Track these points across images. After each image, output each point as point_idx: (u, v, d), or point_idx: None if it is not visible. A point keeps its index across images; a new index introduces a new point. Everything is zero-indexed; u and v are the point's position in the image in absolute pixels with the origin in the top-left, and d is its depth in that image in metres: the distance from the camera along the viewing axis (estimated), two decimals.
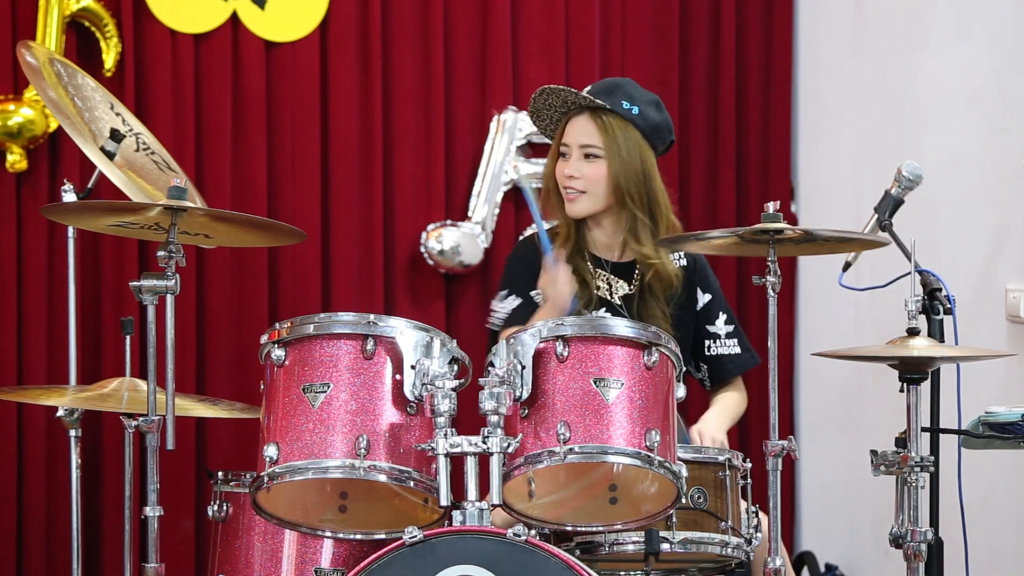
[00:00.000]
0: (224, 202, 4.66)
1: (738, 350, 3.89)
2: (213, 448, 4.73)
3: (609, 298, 3.81)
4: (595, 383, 3.15)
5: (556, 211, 3.86)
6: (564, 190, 3.80)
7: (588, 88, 3.81)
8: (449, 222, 4.92)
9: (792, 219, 5.20)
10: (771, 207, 3.33)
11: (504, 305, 3.84)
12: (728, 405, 3.87)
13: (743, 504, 3.44)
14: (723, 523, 3.38)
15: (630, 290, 3.82)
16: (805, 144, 5.29)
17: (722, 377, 3.89)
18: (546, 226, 3.80)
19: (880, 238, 3.54)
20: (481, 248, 4.91)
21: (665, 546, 3.31)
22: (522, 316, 3.76)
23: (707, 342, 3.88)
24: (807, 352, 5.11)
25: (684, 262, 3.86)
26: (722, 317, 3.89)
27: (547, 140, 3.97)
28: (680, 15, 5.19)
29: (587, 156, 3.78)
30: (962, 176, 4.50)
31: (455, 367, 3.19)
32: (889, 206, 3.65)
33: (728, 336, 3.88)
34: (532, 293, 3.83)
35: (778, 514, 3.28)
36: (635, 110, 3.78)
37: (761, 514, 3.46)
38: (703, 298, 3.88)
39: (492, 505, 3.10)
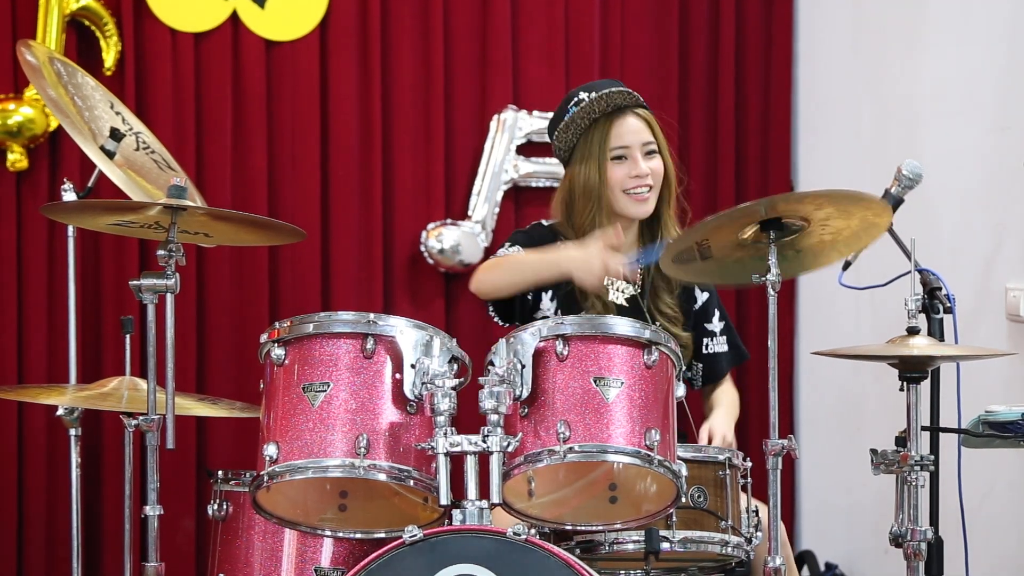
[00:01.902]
0: (224, 201, 4.67)
1: (726, 348, 3.90)
2: (213, 447, 4.73)
3: (618, 301, 3.81)
4: (595, 382, 3.14)
5: (605, 218, 3.78)
6: (635, 191, 3.77)
7: (586, 91, 3.79)
8: (449, 221, 4.92)
9: None
10: None
11: (509, 251, 3.78)
12: (730, 406, 3.88)
13: (743, 500, 3.43)
14: (723, 522, 3.38)
15: (636, 291, 3.82)
16: (805, 143, 5.29)
17: (717, 375, 3.90)
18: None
19: (881, 201, 3.49)
20: (481, 247, 4.91)
21: (665, 545, 3.31)
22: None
23: (704, 340, 3.89)
24: (807, 351, 5.11)
25: None
26: (716, 314, 3.90)
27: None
28: (680, 14, 5.19)
29: (647, 154, 3.78)
30: (962, 175, 4.50)
31: (455, 366, 3.19)
32: (889, 205, 3.64)
33: (720, 333, 3.90)
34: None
35: (778, 513, 3.28)
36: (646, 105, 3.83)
37: (761, 508, 3.45)
38: (701, 296, 3.89)
39: (491, 504, 3.10)
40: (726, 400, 3.90)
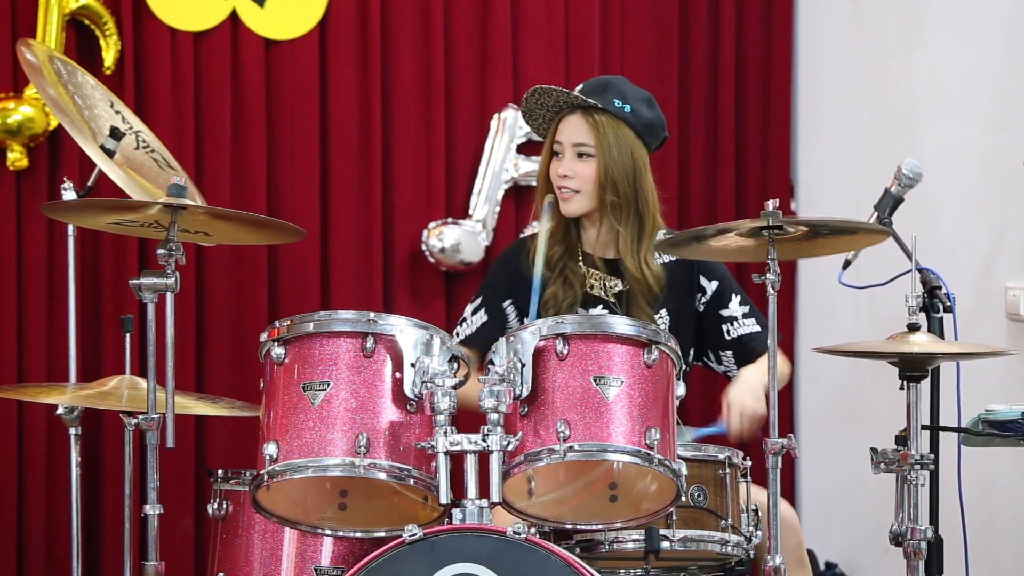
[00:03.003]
0: (224, 200, 4.66)
1: (758, 328, 3.84)
2: (213, 446, 4.73)
3: (603, 296, 3.81)
4: (595, 381, 3.14)
5: (551, 210, 3.85)
6: (559, 189, 3.80)
7: (580, 86, 3.81)
8: (450, 220, 4.92)
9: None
10: (771, 205, 3.32)
11: (473, 320, 3.84)
12: (755, 375, 3.69)
13: (743, 496, 3.43)
14: (723, 521, 3.38)
15: (624, 287, 3.83)
16: (804, 142, 5.29)
17: (749, 358, 3.82)
18: (546, 225, 3.79)
19: (880, 228, 3.52)
20: (482, 246, 4.91)
21: (665, 544, 3.31)
22: (482, 338, 3.75)
23: (724, 327, 3.84)
24: (807, 350, 5.11)
25: None
26: (735, 299, 3.85)
27: (541, 139, 3.96)
28: (680, 14, 5.19)
29: (580, 155, 3.78)
30: (962, 174, 4.50)
31: (455, 365, 3.19)
32: (889, 204, 3.65)
33: (745, 316, 3.84)
34: (504, 304, 3.83)
35: (778, 512, 3.28)
36: (627, 108, 3.78)
37: (759, 488, 3.43)
38: (710, 286, 3.86)
39: (491, 503, 3.10)
40: (749, 370, 3.75)
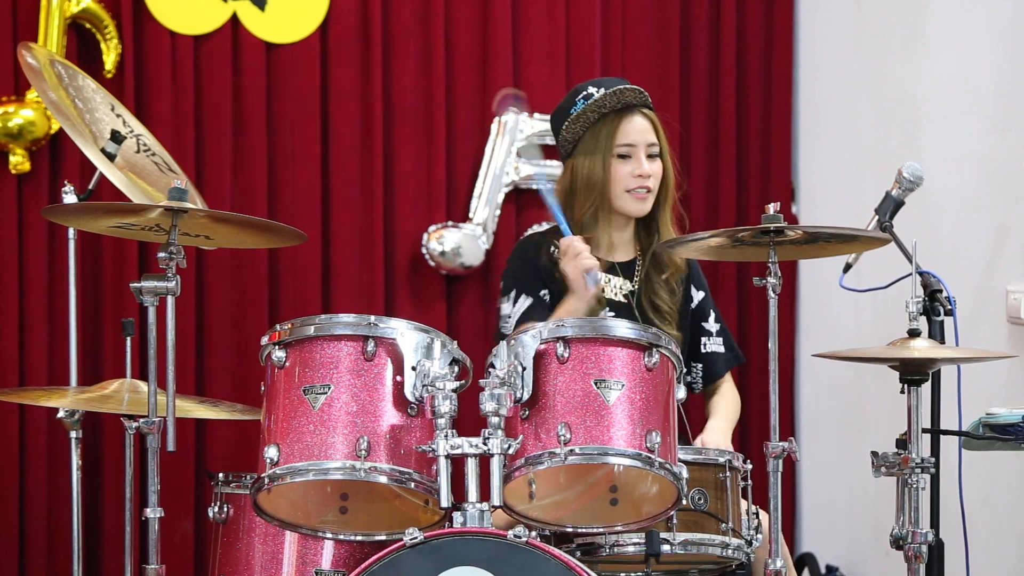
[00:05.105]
0: (224, 203, 4.67)
1: (723, 348, 3.95)
2: (213, 449, 4.73)
3: (615, 298, 3.83)
4: (596, 384, 3.14)
5: (604, 213, 3.84)
6: (635, 191, 3.81)
7: (618, 87, 3.83)
8: (450, 223, 4.92)
9: (792, 220, 5.20)
10: (772, 208, 3.33)
11: (516, 307, 3.84)
12: (727, 413, 3.90)
13: (743, 504, 3.44)
14: (724, 524, 3.38)
15: (633, 286, 3.84)
16: (805, 145, 5.29)
17: (715, 375, 3.93)
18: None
19: (881, 235, 3.53)
20: (482, 249, 4.91)
21: (666, 547, 3.32)
22: (536, 314, 3.76)
23: (702, 339, 3.92)
24: (808, 353, 5.11)
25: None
26: (712, 315, 3.93)
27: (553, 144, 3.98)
28: (680, 16, 5.19)
29: (650, 155, 3.82)
30: (963, 177, 4.50)
31: (456, 368, 3.19)
32: (890, 207, 3.65)
33: (717, 334, 3.92)
34: (541, 292, 3.84)
35: (778, 515, 3.28)
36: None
37: (762, 513, 3.46)
38: (697, 295, 3.93)
39: (492, 506, 3.10)
40: (723, 407, 3.91)
